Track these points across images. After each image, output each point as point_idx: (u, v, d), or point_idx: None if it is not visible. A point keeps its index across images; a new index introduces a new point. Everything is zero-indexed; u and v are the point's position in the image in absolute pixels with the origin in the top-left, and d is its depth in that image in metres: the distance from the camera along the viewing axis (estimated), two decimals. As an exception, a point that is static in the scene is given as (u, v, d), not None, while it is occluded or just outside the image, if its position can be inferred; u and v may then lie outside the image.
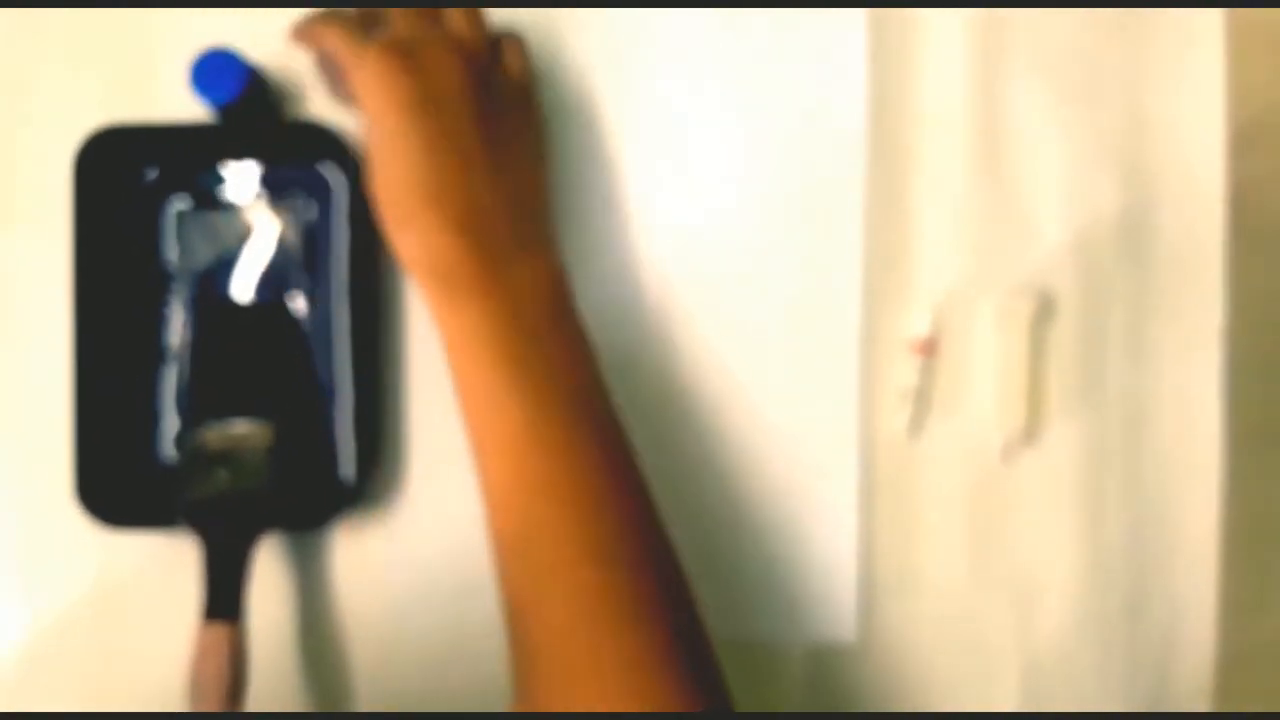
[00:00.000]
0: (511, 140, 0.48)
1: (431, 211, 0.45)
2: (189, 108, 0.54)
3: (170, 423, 0.56)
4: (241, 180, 0.56)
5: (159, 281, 0.56)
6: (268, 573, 0.55)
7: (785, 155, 0.57)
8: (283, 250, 0.56)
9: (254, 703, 0.50)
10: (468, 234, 0.45)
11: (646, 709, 0.41)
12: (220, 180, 0.56)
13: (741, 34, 0.57)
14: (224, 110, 0.53)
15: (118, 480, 0.54)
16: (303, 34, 0.50)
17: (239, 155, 0.56)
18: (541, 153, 0.51)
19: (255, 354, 0.56)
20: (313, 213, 0.56)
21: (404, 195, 0.46)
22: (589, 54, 0.57)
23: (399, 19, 0.48)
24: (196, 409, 0.55)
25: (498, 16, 0.56)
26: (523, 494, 0.45)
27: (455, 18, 0.49)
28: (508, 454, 0.45)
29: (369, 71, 0.46)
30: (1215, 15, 0.56)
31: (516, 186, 0.47)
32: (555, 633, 0.43)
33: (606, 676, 0.42)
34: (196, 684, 0.49)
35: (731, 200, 0.56)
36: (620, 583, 0.43)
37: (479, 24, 0.49)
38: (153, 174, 0.56)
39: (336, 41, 0.48)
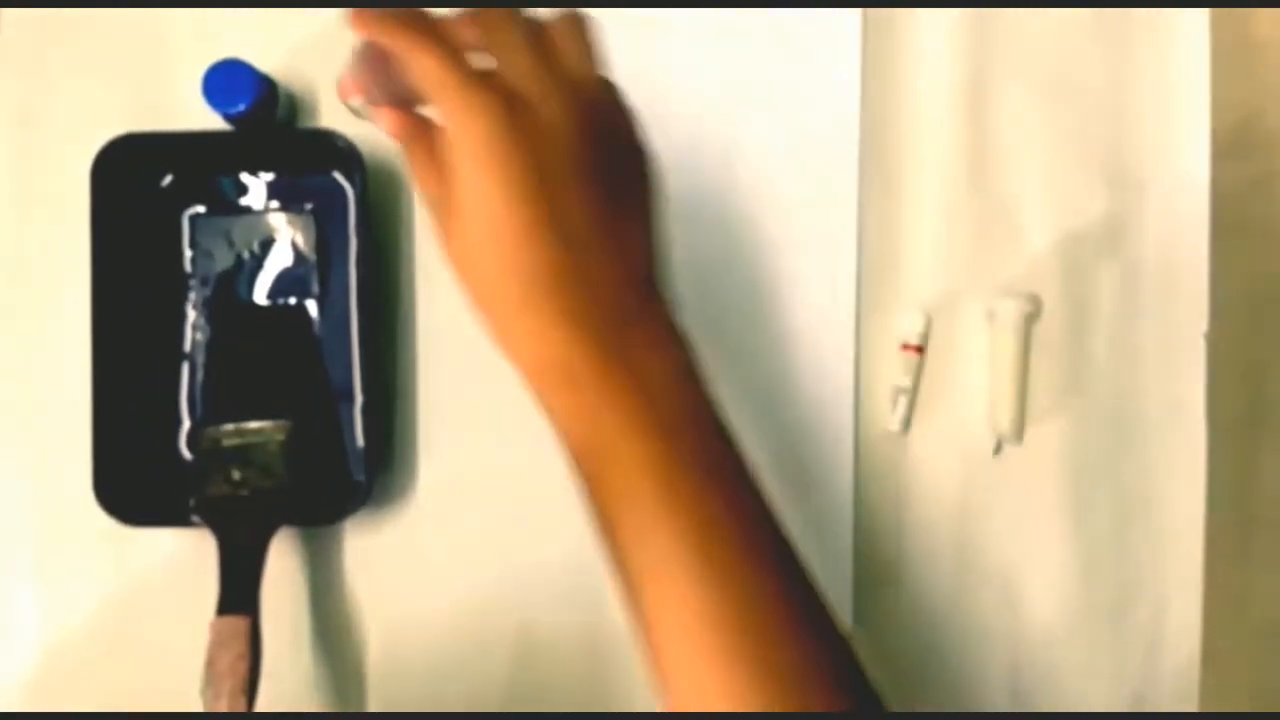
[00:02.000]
0: (625, 202, 0.40)
1: (544, 304, 0.38)
2: (206, 117, 0.55)
3: (187, 422, 0.57)
4: (256, 187, 0.57)
5: (176, 285, 0.57)
6: (281, 568, 0.56)
7: (781, 158, 0.57)
8: (296, 255, 0.57)
9: (267, 693, 0.51)
10: (586, 326, 0.38)
11: None
12: (235, 187, 0.57)
13: (737, 37, 0.57)
14: (237, 120, 0.54)
15: (135, 478, 0.55)
16: (378, 29, 0.38)
17: (253, 163, 0.57)
18: (655, 207, 0.43)
19: (269, 356, 0.57)
20: (325, 218, 0.57)
21: (509, 287, 0.38)
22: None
23: (511, 60, 0.38)
24: (212, 409, 0.57)
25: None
26: (695, 634, 0.38)
27: (570, 54, 0.39)
28: (669, 589, 0.38)
29: (476, 133, 0.37)
30: (1201, 22, 0.57)
31: (631, 255, 0.40)
32: None
33: None
34: (212, 676, 0.50)
35: (728, 202, 0.57)
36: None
37: (594, 60, 0.40)
38: (169, 181, 0.57)
39: (434, 68, 0.37)
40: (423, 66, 0.38)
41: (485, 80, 0.38)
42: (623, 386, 0.38)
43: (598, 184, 0.39)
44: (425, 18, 0.38)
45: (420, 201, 0.43)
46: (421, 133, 0.40)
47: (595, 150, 0.39)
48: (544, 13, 0.40)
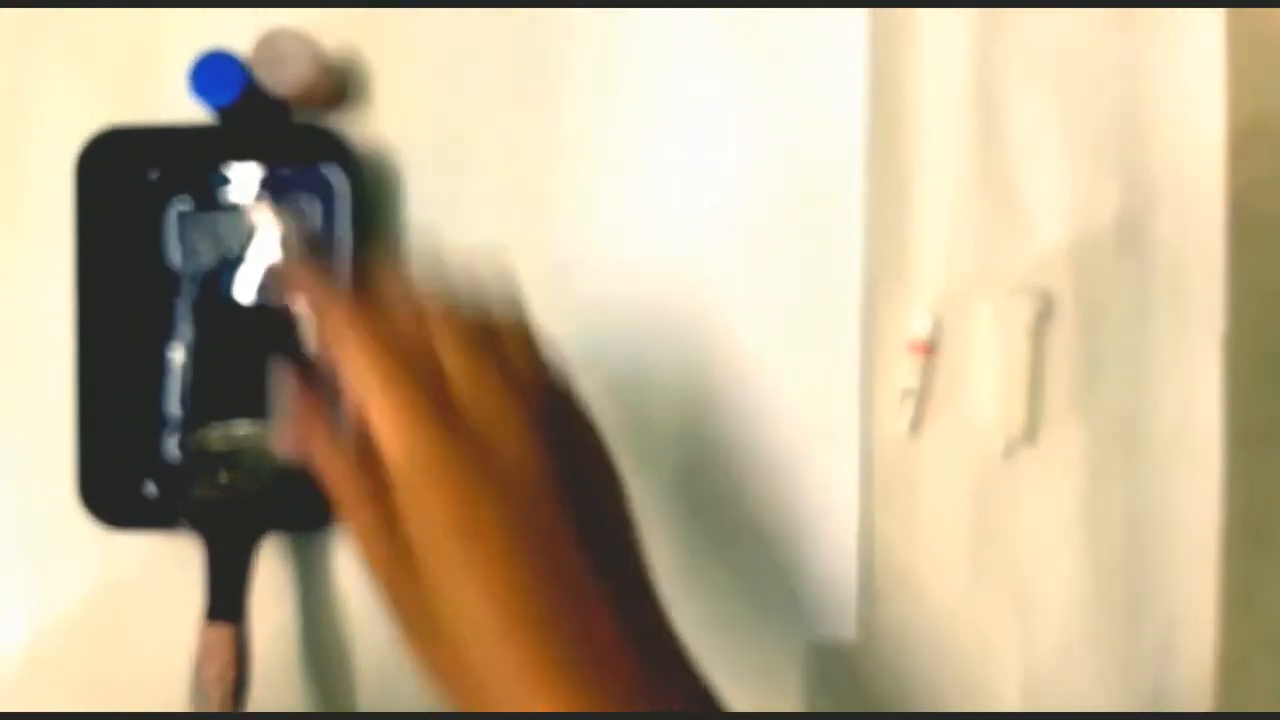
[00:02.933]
0: (600, 524, 0.34)
1: (534, 667, 0.32)
2: (192, 110, 0.54)
3: (173, 424, 0.56)
4: (243, 181, 0.56)
5: (162, 283, 0.56)
6: (270, 573, 0.55)
7: (785, 156, 0.57)
8: (285, 251, 0.56)
9: (256, 703, 0.50)
10: (594, 685, 0.32)
11: None
12: (222, 181, 0.56)
13: (741, 34, 0.57)
14: (224, 112, 0.54)
15: (120, 481, 0.54)
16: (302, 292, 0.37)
17: (241, 156, 0.56)
18: (629, 520, 0.36)
19: (258, 355, 0.56)
20: (315, 213, 0.56)
21: (488, 644, 0.32)
22: (584, 54, 0.57)
23: (455, 364, 0.34)
24: (199, 410, 0.56)
25: (488, 17, 0.56)
26: None
27: (513, 351, 0.35)
28: None
29: (425, 465, 0.33)
30: (1215, 16, 0.57)
31: (623, 591, 0.34)
32: None
33: None
34: (199, 685, 0.49)
35: (731, 201, 0.57)
36: None
37: (538, 353, 0.35)
38: (155, 175, 0.56)
39: (368, 374, 0.34)
40: (357, 367, 0.34)
41: (436, 400, 0.34)
42: None
43: (569, 500, 0.33)
44: (372, 312, 0.35)
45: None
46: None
47: (563, 473, 0.34)
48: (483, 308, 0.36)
